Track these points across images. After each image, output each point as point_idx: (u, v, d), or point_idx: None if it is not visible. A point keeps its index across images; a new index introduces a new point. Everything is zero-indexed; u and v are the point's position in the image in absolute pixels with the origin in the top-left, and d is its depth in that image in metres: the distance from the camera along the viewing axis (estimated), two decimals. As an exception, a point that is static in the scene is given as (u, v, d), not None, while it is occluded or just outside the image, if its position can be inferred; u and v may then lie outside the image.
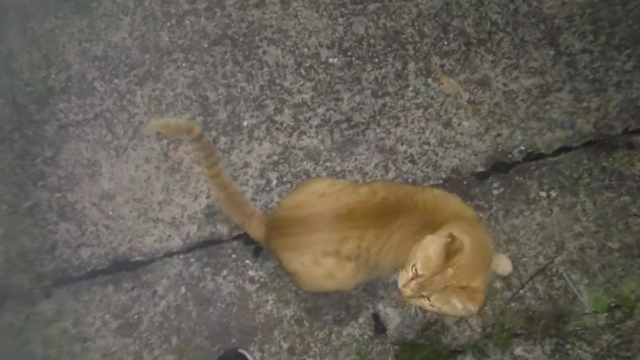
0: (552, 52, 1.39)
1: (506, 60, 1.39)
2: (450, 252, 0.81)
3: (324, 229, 0.94)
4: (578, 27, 1.41)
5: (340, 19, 1.40)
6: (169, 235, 1.26)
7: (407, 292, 0.85)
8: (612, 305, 1.18)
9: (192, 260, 1.24)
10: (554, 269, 1.22)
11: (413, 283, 0.84)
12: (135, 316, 1.20)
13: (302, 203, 0.98)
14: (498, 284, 1.20)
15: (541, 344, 1.16)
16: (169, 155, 1.32)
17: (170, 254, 1.25)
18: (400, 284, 0.87)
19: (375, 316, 1.19)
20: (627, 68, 1.36)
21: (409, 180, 1.29)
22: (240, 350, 1.14)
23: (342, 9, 1.41)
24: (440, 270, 0.82)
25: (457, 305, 0.82)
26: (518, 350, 1.15)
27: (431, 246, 0.84)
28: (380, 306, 1.19)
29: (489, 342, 1.15)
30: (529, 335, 1.15)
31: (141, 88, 1.37)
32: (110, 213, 1.28)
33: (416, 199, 0.98)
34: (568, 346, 1.15)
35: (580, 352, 1.15)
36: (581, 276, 1.21)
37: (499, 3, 1.43)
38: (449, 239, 0.80)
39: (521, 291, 1.19)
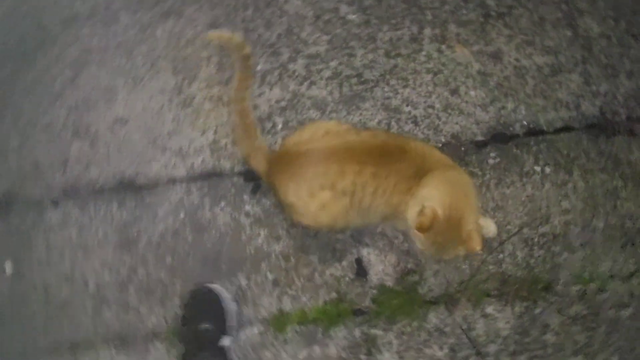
0: (569, 34, 1.61)
1: (522, 36, 1.61)
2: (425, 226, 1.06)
3: (323, 162, 1.18)
4: (600, 11, 1.62)
5: (363, -23, 1.62)
6: (174, 164, 1.52)
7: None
8: (587, 280, 1.40)
9: (194, 189, 1.50)
10: (536, 239, 1.44)
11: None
12: (135, 233, 1.47)
13: (305, 139, 1.22)
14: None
15: (512, 306, 1.39)
16: (183, 89, 1.57)
17: (173, 181, 1.51)
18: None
19: (359, 261, 1.43)
20: (641, 57, 1.56)
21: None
22: (211, 285, 1.38)
23: (366, -32, 1.63)
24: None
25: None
26: (489, 309, 1.39)
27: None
28: (364, 252, 1.44)
29: (462, 296, 1.38)
30: (501, 296, 1.39)
31: (163, 23, 1.63)
32: (122, 137, 1.55)
33: (410, 146, 1.21)
34: (537, 310, 1.38)
35: (548, 318, 1.38)
36: (562, 250, 1.43)
37: (524, -21, 1.63)
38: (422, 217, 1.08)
39: (500, 255, 1.42)
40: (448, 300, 1.41)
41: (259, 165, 1.34)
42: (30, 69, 1.63)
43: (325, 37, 1.63)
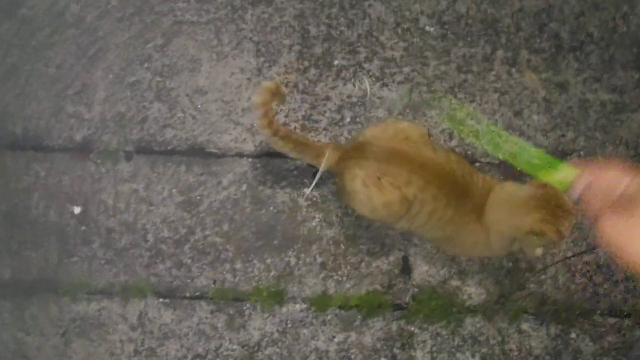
0: (637, 76, 1.54)
1: (590, 72, 1.55)
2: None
3: (395, 164, 1.12)
4: (669, 60, 1.54)
5: (446, -6, 1.58)
6: (244, 139, 1.49)
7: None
8: (625, 313, 1.32)
9: (259, 165, 1.47)
10: (579, 267, 1.36)
11: None
12: (198, 197, 1.44)
13: (386, 137, 1.17)
14: (523, 265, 1.36)
15: (547, 326, 1.32)
16: (262, 71, 1.54)
17: (241, 155, 1.47)
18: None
19: (405, 259, 1.38)
20: None
21: (469, 152, 1.46)
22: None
23: (451, -15, 1.59)
24: None
25: None
26: (525, 326, 1.32)
27: None
28: (411, 251, 1.38)
29: (501, 310, 1.31)
30: (539, 315, 1.32)
31: (253, 8, 1.61)
32: (199, 106, 1.52)
33: (475, 184, 1.15)
34: (572, 335, 1.31)
35: (581, 344, 1.31)
36: (604, 279, 1.35)
37: (600, 18, 1.58)
38: None
39: (542, 276, 1.35)
40: (486, 311, 1.34)
41: (329, 159, 1.25)
42: (125, 32, 1.61)
43: (402, 44, 1.59)
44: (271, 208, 1.45)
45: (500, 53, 1.58)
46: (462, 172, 1.16)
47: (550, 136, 1.50)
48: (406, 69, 1.56)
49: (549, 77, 1.55)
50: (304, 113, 1.52)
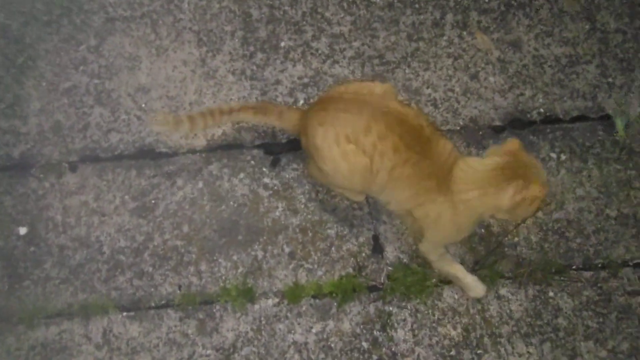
0: (587, 27, 1.49)
1: (542, 27, 1.49)
2: None
3: (355, 112, 1.08)
4: (616, 8, 1.52)
5: (388, -39, 1.49)
6: (195, 134, 1.38)
7: None
8: (600, 265, 1.28)
9: (213, 160, 1.37)
10: (550, 224, 1.32)
11: None
12: (153, 201, 1.33)
13: (349, 91, 1.13)
14: (495, 228, 1.31)
15: (525, 288, 1.28)
16: (206, 61, 1.43)
17: (193, 151, 1.37)
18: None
19: (375, 238, 1.30)
20: (656, 53, 1.45)
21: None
22: None
23: (393, -48, 1.50)
24: None
25: None
26: (503, 291, 1.27)
27: None
28: (381, 229, 1.31)
29: (477, 277, 1.25)
30: (516, 278, 1.28)
31: (189, -5, 1.48)
32: (143, 105, 1.41)
33: (440, 145, 1.06)
34: (550, 294, 1.26)
35: (560, 302, 1.27)
36: (575, 235, 1.31)
37: (545, -28, 1.51)
38: None
39: (515, 239, 1.29)
40: (463, 280, 1.29)
41: (291, 119, 1.22)
42: (55, 35, 1.48)
43: (349, 18, 1.50)
44: (231, 202, 1.35)
45: (449, 17, 1.50)
46: (430, 132, 1.08)
47: (508, 96, 1.44)
48: (356, 44, 1.48)
49: (501, 37, 1.49)
50: (254, 100, 1.42)
